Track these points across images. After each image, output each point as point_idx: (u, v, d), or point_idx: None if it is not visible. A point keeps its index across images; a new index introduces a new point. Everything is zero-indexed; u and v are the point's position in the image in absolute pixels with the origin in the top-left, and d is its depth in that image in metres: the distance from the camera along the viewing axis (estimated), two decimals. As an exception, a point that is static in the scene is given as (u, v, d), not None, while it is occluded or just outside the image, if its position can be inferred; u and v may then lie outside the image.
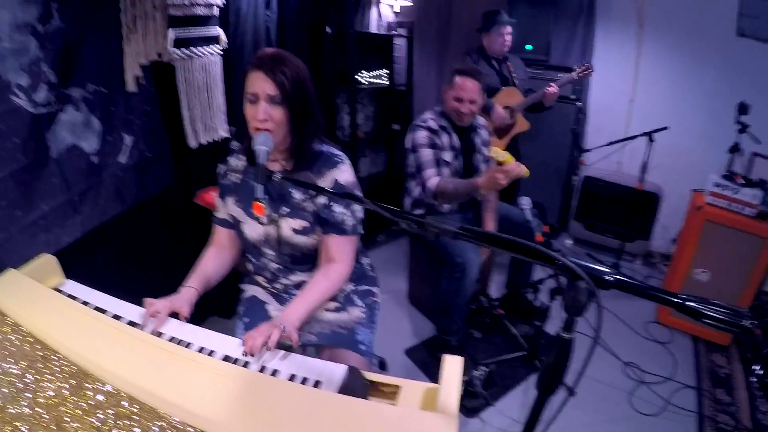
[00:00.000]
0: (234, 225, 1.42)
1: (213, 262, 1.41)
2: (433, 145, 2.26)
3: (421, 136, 2.26)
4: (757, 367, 2.30)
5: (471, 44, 3.14)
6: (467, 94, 2.20)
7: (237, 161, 1.39)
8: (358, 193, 1.34)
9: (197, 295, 1.29)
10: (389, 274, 3.04)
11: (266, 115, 1.18)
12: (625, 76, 3.41)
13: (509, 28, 2.91)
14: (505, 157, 1.92)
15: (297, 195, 1.31)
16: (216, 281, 1.40)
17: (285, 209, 1.31)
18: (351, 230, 1.33)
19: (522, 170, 1.89)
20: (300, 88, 1.21)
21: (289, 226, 1.31)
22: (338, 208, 1.31)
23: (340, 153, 1.35)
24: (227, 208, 1.41)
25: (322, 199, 1.30)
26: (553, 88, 2.85)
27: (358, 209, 1.35)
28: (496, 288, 2.94)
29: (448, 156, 2.29)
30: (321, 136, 1.35)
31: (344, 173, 1.31)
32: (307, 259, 1.38)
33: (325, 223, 1.32)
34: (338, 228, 1.31)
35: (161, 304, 1.17)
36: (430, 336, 2.55)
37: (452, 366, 0.95)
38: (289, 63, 1.21)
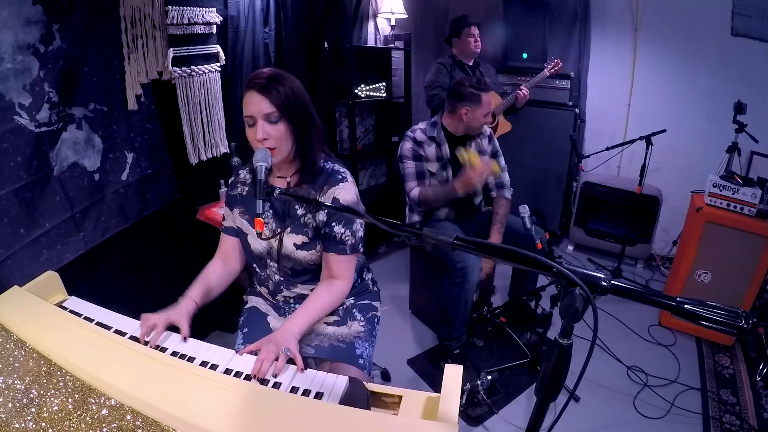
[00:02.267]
0: (240, 235, 1.45)
1: (216, 273, 1.42)
2: (416, 157, 2.31)
3: (406, 147, 2.32)
4: (763, 367, 2.29)
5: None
6: (492, 107, 2.29)
7: (247, 174, 1.43)
8: (361, 208, 1.35)
9: (196, 307, 1.29)
10: (391, 284, 3.04)
11: (264, 134, 1.20)
12: (622, 80, 3.44)
13: (476, 29, 2.97)
14: (471, 158, 2.03)
15: (300, 210, 1.33)
16: (218, 293, 1.41)
17: (289, 224, 1.34)
18: (350, 250, 1.34)
19: (491, 167, 2.06)
20: (296, 101, 1.23)
21: (290, 240, 1.33)
22: (338, 228, 1.31)
23: (344, 170, 1.36)
24: (234, 219, 1.43)
25: (322, 216, 1.31)
26: (524, 91, 2.97)
27: (358, 229, 1.35)
28: (497, 296, 2.94)
29: (433, 167, 2.32)
30: (326, 150, 1.39)
31: (344, 192, 1.30)
32: (308, 273, 1.40)
33: (325, 241, 1.33)
34: (338, 248, 1.32)
35: (157, 317, 1.17)
36: (433, 346, 2.55)
37: (453, 375, 0.96)
38: (281, 79, 1.23)
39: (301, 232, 1.32)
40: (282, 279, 1.42)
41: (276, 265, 1.39)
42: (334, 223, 1.31)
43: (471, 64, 3.06)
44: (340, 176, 1.33)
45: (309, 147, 1.29)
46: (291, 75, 1.28)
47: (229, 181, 1.49)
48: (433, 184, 2.33)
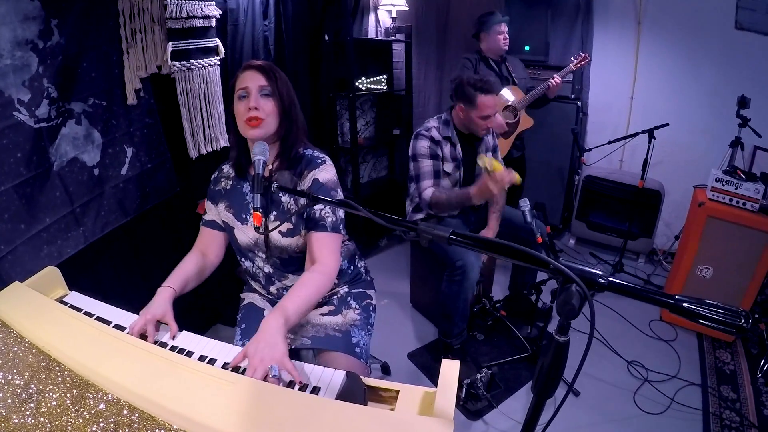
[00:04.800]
0: (222, 228, 1.45)
1: (194, 264, 1.39)
2: (433, 156, 2.25)
3: (423, 146, 2.25)
4: (764, 363, 2.29)
5: (469, 47, 3.15)
6: (492, 110, 2.19)
7: (230, 169, 1.44)
8: (340, 191, 1.38)
9: (174, 294, 1.27)
10: (392, 278, 3.05)
11: (257, 103, 1.25)
12: (625, 73, 3.42)
13: (505, 26, 2.92)
14: (493, 165, 1.93)
15: (283, 197, 1.34)
16: (193, 286, 1.38)
17: (274, 213, 1.35)
18: (331, 228, 1.32)
19: (513, 177, 1.92)
20: (286, 88, 1.31)
21: (276, 229, 1.34)
22: (318, 205, 1.30)
23: (323, 156, 1.38)
24: (219, 213, 1.44)
25: (302, 199, 1.29)
26: (556, 79, 2.89)
27: (338, 209, 1.35)
28: (498, 290, 2.94)
29: (448, 167, 2.29)
30: (305, 140, 1.41)
31: (323, 172, 1.33)
32: (296, 261, 1.40)
33: (307, 222, 1.33)
34: (318, 225, 1.31)
35: (143, 322, 1.14)
36: (433, 339, 2.55)
37: (450, 370, 0.96)
38: (276, 67, 1.32)
39: (286, 220, 1.33)
40: (272, 271, 1.43)
41: (264, 255, 1.40)
42: None
43: (497, 59, 3.02)
44: (319, 160, 1.35)
45: (290, 132, 1.33)
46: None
47: (212, 177, 1.49)
48: (445, 185, 2.28)
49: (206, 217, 1.47)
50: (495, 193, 1.99)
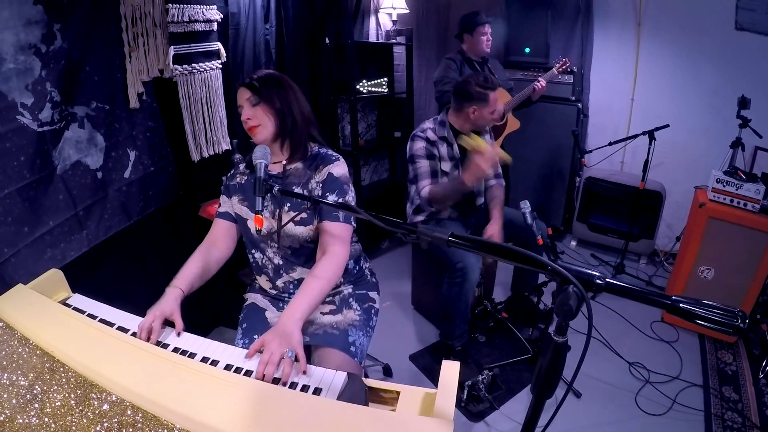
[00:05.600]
0: (234, 220, 1.50)
1: (198, 267, 1.40)
2: (430, 156, 2.28)
3: (419, 147, 2.28)
4: (766, 364, 2.29)
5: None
6: (498, 104, 2.28)
7: (245, 168, 1.53)
8: (351, 187, 1.45)
9: (183, 295, 1.30)
10: (394, 280, 3.06)
11: (247, 115, 1.38)
12: (625, 74, 3.42)
13: (489, 27, 2.93)
14: (478, 142, 1.96)
15: (297, 189, 1.40)
16: (204, 279, 1.41)
17: (287, 205, 1.40)
18: (344, 218, 1.38)
19: (500, 152, 1.98)
20: (273, 87, 1.39)
21: (289, 218, 1.39)
22: (332, 197, 1.38)
23: (336, 154, 1.47)
24: (232, 206, 1.49)
25: (317, 191, 1.40)
26: (541, 83, 2.92)
27: (351, 199, 1.42)
28: (500, 291, 2.94)
29: (446, 166, 2.30)
30: (319, 138, 1.48)
31: (338, 167, 1.42)
32: (307, 251, 1.45)
33: (320, 212, 1.39)
34: (331, 214, 1.37)
35: (151, 318, 1.16)
36: (435, 341, 2.56)
37: (450, 371, 0.97)
38: (264, 72, 1.43)
39: (299, 209, 1.39)
40: (282, 262, 1.46)
41: (275, 245, 1.44)
42: (327, 193, 1.39)
43: (480, 60, 3.03)
44: (333, 158, 1.45)
45: (290, 126, 1.41)
46: (282, 74, 1.46)
47: (229, 174, 1.56)
48: (443, 182, 2.30)
49: (220, 209, 1.52)
50: (486, 170, 1.95)
